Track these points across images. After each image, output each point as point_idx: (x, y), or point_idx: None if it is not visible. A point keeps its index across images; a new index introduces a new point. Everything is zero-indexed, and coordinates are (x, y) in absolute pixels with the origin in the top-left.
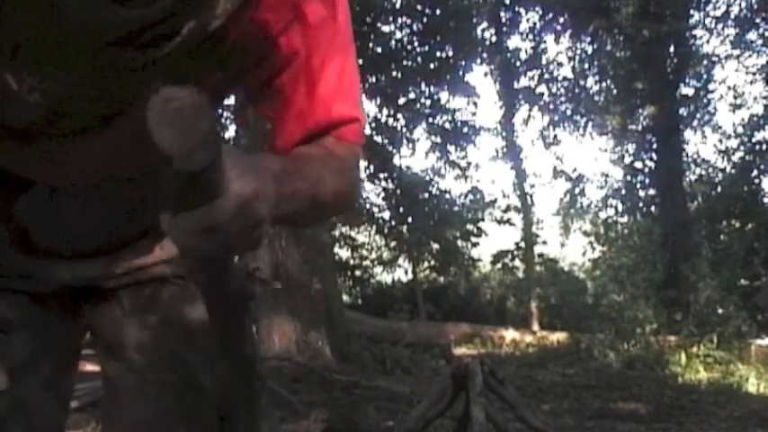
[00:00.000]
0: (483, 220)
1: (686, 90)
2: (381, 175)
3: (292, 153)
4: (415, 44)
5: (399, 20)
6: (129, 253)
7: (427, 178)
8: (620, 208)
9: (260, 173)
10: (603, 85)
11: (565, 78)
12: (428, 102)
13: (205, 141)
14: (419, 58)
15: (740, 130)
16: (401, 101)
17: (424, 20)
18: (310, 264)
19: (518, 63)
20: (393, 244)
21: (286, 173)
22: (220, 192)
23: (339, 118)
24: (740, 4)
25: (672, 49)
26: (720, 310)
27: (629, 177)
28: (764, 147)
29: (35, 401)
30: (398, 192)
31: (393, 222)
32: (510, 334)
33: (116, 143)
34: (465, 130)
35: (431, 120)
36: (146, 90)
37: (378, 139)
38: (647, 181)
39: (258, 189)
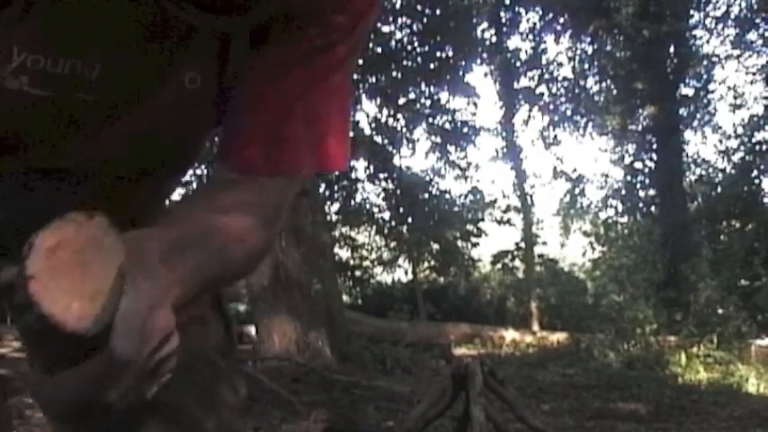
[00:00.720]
0: (483, 220)
1: (686, 90)
2: (381, 175)
3: (195, 210)
4: (415, 44)
5: (399, 20)
6: None
7: (427, 178)
8: (620, 208)
9: (145, 266)
10: (603, 85)
11: (565, 78)
12: (428, 102)
13: (112, 293)
14: (419, 58)
15: (740, 130)
16: (401, 101)
17: (424, 20)
18: (310, 264)
19: (518, 63)
20: (393, 244)
21: (180, 247)
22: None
23: (300, 138)
24: (740, 4)
25: (672, 49)
26: (720, 310)
27: (629, 177)
28: (764, 147)
29: None
30: (398, 192)
31: (393, 222)
32: (510, 334)
33: (125, 137)
34: (465, 130)
35: (431, 120)
36: (172, 80)
37: (378, 139)
38: (647, 181)
39: (153, 295)
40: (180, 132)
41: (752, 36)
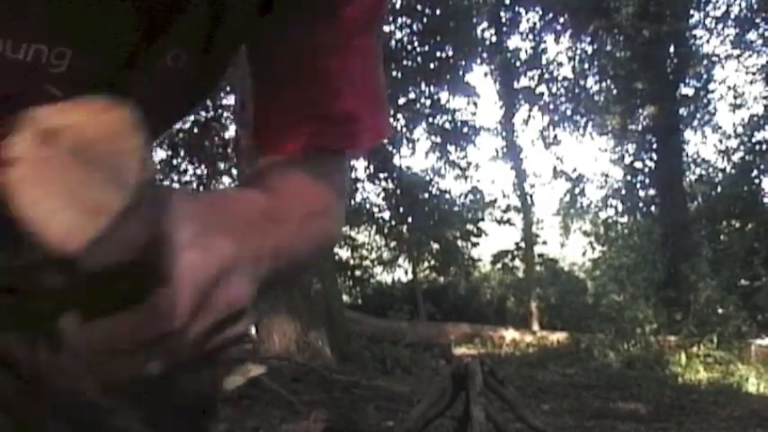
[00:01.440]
0: (483, 220)
1: (686, 90)
2: (381, 175)
3: (265, 185)
4: (415, 44)
5: (399, 20)
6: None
7: (427, 178)
8: (620, 208)
9: (227, 225)
10: (603, 85)
11: (565, 78)
12: (428, 102)
13: (123, 217)
14: (419, 58)
15: (740, 130)
16: (401, 101)
17: (424, 20)
18: None
19: (518, 63)
20: (393, 244)
21: (266, 217)
22: (163, 270)
23: (348, 113)
24: (740, 4)
25: (672, 49)
26: (720, 310)
27: (629, 177)
28: (764, 147)
29: None
30: (398, 192)
31: (393, 222)
32: (510, 334)
33: None
34: (465, 130)
35: (431, 120)
36: (154, 61)
37: None
38: (647, 181)
39: (229, 258)
40: (153, 118)
41: (752, 36)
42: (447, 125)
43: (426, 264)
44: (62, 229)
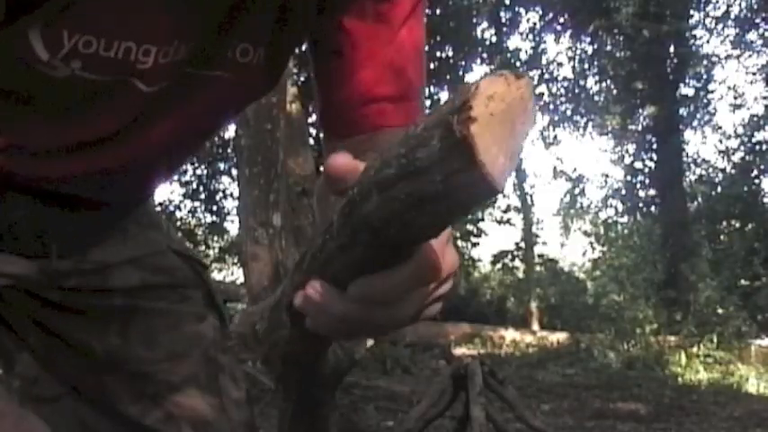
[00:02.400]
0: (483, 220)
1: (686, 90)
2: None
3: None
4: None
5: None
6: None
7: None
8: (620, 208)
9: None
10: (603, 85)
11: (565, 78)
12: (428, 102)
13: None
14: None
15: (740, 130)
16: None
17: (424, 20)
18: None
19: (518, 63)
20: None
21: None
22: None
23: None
24: (740, 4)
25: (672, 49)
26: (720, 310)
27: (629, 177)
28: (764, 147)
29: None
30: None
31: None
32: (510, 334)
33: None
34: None
35: None
36: (225, 56)
37: None
38: (647, 181)
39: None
40: (226, 110)
41: (752, 36)
42: None
43: None
44: (499, 171)
